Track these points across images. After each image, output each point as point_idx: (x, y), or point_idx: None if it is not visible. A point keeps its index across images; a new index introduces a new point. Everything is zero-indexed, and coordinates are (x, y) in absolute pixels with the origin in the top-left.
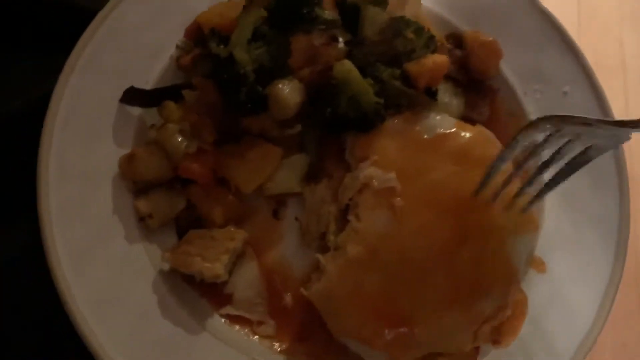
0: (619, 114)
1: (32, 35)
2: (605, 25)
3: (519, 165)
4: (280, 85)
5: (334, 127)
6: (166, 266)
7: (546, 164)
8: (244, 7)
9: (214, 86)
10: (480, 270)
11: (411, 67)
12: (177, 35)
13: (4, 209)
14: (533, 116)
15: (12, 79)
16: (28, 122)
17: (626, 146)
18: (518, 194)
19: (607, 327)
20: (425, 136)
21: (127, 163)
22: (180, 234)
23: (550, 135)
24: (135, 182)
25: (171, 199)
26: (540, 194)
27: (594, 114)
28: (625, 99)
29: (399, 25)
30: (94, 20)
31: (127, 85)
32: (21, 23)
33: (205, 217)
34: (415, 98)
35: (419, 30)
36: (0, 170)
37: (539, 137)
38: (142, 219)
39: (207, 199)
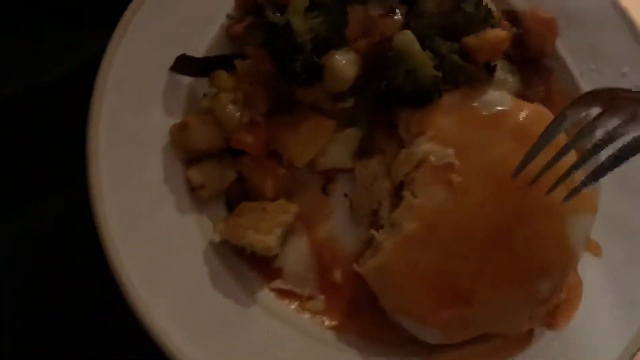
0: None
1: (62, 9)
2: None
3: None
4: (337, 57)
5: (389, 101)
6: (217, 237)
7: (597, 148)
8: None
9: (267, 55)
10: (538, 250)
11: (471, 41)
12: (227, 4)
13: (44, 176)
14: None
15: (44, 50)
16: (62, 92)
17: None
18: (567, 174)
19: None
20: (483, 113)
21: (180, 132)
22: (230, 206)
23: (602, 113)
24: (187, 152)
25: (222, 170)
26: (590, 179)
27: None
28: None
29: None
30: None
31: (176, 54)
32: None
33: (255, 190)
34: (474, 73)
35: (478, 3)
36: (33, 142)
37: (592, 113)
38: (193, 189)
39: (259, 171)
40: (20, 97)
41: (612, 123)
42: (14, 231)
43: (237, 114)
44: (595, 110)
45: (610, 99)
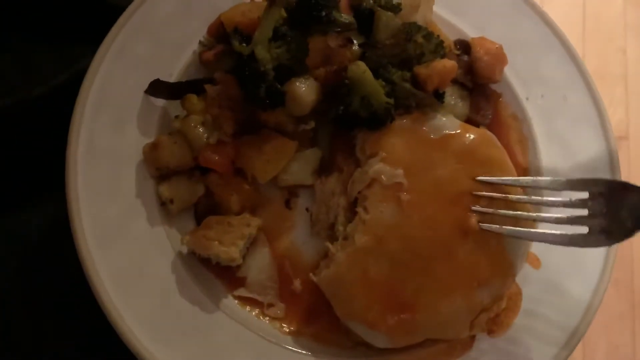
0: (619, 123)
1: (51, 25)
2: (610, 33)
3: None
4: (297, 83)
5: (346, 124)
6: (185, 248)
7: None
8: (266, 8)
9: (235, 81)
10: (479, 262)
11: (421, 70)
12: (200, 32)
13: (25, 190)
14: (534, 120)
15: (33, 65)
16: (48, 107)
17: (627, 154)
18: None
19: (600, 330)
20: (432, 136)
21: (152, 150)
22: (198, 219)
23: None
24: (158, 169)
25: (191, 186)
26: (511, 235)
27: (591, 119)
28: (626, 107)
29: (411, 30)
30: (125, 11)
31: (152, 76)
32: (40, 13)
33: (222, 204)
34: (424, 99)
35: (429, 35)
36: (20, 153)
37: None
38: (163, 203)
39: (225, 187)
40: (8, 111)
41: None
42: None
43: (206, 135)
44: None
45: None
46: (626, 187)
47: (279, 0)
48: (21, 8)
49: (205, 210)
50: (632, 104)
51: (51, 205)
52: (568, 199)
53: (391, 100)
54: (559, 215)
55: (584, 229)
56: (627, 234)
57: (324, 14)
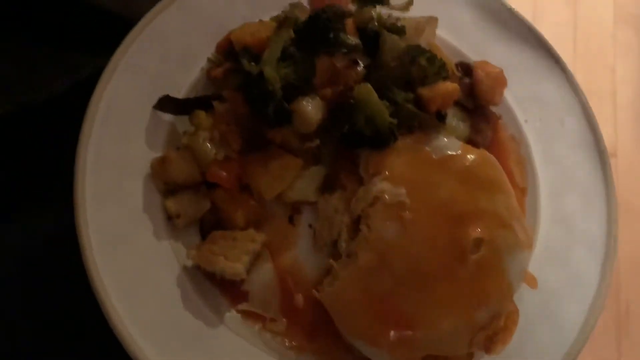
0: (607, 141)
1: (53, 31)
2: (599, 52)
3: None
4: (304, 102)
5: (350, 143)
6: (190, 262)
7: None
8: (275, 30)
9: (243, 99)
10: (480, 282)
11: (424, 92)
12: (209, 49)
13: (25, 199)
14: (532, 142)
15: (34, 72)
16: (48, 115)
17: (615, 172)
18: None
19: (587, 344)
20: (434, 156)
21: (160, 165)
22: (203, 233)
23: None
24: (166, 183)
25: (197, 201)
26: None
27: (588, 143)
28: (614, 125)
29: (415, 52)
30: (136, 26)
31: (161, 91)
32: (43, 19)
33: (227, 219)
34: (426, 120)
35: (432, 58)
36: (24, 160)
37: None
38: (169, 217)
39: (231, 203)
40: (11, 117)
41: None
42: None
43: (213, 151)
44: None
45: None
46: None
47: (288, 21)
48: (23, 12)
49: (211, 224)
50: (620, 121)
51: (52, 214)
52: None
53: (394, 121)
54: None
55: None
56: None
57: (331, 35)
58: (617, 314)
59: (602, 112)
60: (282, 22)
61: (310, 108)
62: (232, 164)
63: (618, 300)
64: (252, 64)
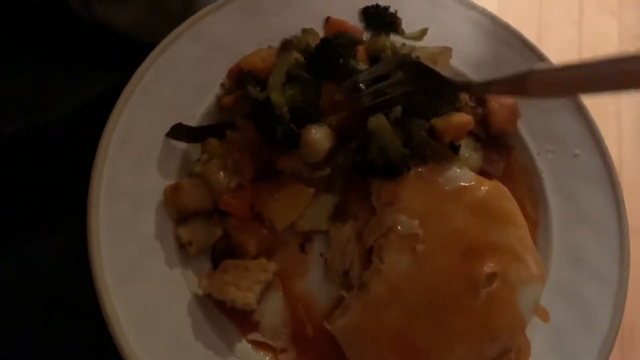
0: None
1: (65, 49)
2: None
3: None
4: (312, 131)
5: (363, 172)
6: (201, 291)
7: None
8: (278, 54)
9: (253, 126)
10: (491, 315)
11: (438, 123)
12: (223, 75)
13: (35, 218)
14: (545, 174)
15: (46, 90)
16: (59, 133)
17: (628, 201)
18: None
19: None
20: (446, 187)
21: (173, 193)
22: (215, 261)
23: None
24: (179, 211)
25: (209, 228)
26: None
27: (601, 177)
28: (619, 144)
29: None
30: (152, 52)
31: (176, 118)
32: (55, 39)
33: (239, 248)
34: (440, 151)
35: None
36: (33, 178)
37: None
38: (182, 245)
39: (243, 231)
40: (22, 137)
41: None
42: (6, 272)
43: (226, 179)
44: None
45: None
46: None
47: (290, 45)
48: (36, 32)
49: (223, 252)
50: (625, 141)
51: (60, 235)
52: None
53: (407, 151)
54: None
55: None
56: None
57: (341, 61)
58: (620, 336)
59: (606, 132)
60: (283, 46)
61: (318, 137)
62: (245, 193)
63: (622, 322)
64: (258, 89)
